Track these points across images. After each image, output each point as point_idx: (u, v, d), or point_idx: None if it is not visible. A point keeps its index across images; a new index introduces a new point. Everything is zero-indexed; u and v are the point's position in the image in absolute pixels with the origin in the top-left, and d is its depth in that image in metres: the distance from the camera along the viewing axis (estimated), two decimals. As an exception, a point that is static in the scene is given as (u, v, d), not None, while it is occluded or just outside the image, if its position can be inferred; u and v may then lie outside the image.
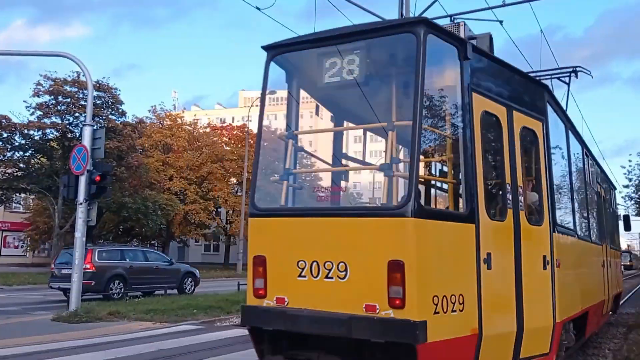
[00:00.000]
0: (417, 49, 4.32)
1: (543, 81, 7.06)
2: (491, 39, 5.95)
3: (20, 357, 7.70)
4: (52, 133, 32.08)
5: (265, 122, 5.74)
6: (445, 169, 5.42)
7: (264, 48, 5.28)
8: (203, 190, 42.18)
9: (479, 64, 4.98)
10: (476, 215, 4.59)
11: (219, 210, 46.26)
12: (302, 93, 5.52)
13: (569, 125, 7.32)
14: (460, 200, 4.94)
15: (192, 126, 46.41)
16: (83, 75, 29.44)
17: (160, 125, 43.53)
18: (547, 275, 5.41)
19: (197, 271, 21.31)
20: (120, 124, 32.92)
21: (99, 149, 12.77)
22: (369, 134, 5.90)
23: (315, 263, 4.46)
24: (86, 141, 12.54)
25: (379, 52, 4.88)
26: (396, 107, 4.87)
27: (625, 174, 37.73)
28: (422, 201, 5.30)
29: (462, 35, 5.40)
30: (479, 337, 4.48)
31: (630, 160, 38.87)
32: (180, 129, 43.74)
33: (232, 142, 47.55)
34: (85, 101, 31.04)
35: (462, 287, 4.40)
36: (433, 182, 5.91)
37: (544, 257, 5.42)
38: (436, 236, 4.33)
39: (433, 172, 6.03)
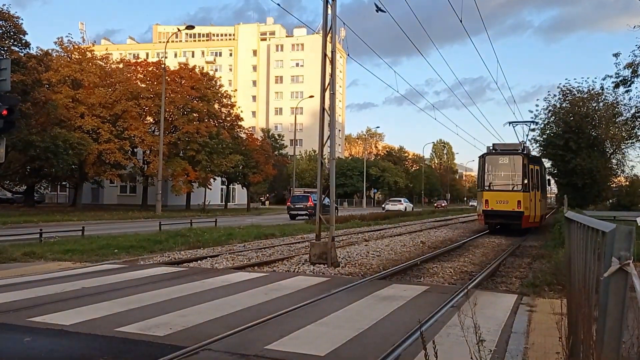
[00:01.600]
0: (522, 158, 22.09)
1: (518, 125, 27.92)
2: (528, 147, 25.21)
3: None
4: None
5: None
6: (526, 181, 21.82)
7: (481, 155, 23.19)
8: (118, 129, 40.36)
9: (530, 156, 23.49)
10: (529, 191, 21.96)
11: (135, 150, 44.66)
12: (488, 164, 22.76)
13: (543, 164, 27.84)
14: (527, 186, 21.89)
15: (104, 61, 43.76)
16: (-22, 0, 27.09)
17: (69, 59, 40.68)
18: (540, 204, 23.69)
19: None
20: (24, 56, 30.56)
21: (5, 81, 11.87)
22: (498, 173, 23.29)
23: (500, 200, 21.92)
24: (-11, 72, 11.59)
25: (514, 157, 22.19)
26: (516, 168, 22.06)
27: (532, 118, 40.16)
28: (526, 187, 21.75)
29: (524, 146, 24.14)
30: (529, 215, 21.85)
31: (537, 106, 41.46)
32: (90, 64, 41.10)
33: (148, 79, 45.41)
34: (-18, 30, 28.61)
35: (529, 205, 21.83)
36: (525, 183, 21.86)
37: (540, 199, 23.53)
38: (526, 196, 21.73)
39: (525, 182, 22.00)
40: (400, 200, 60.24)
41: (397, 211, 46.55)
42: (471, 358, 3.69)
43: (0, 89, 11.81)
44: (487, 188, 22.30)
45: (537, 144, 38.07)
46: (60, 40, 41.22)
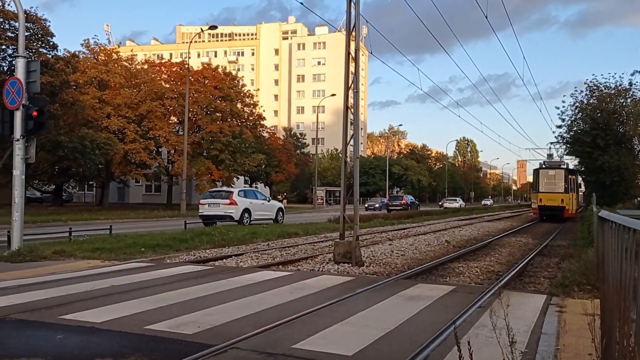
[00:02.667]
0: (564, 171, 33.73)
1: (551, 144, 41.61)
2: (567, 163, 39.05)
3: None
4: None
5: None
6: (566, 185, 32.91)
7: (535, 169, 35.34)
8: (143, 129, 40.91)
9: (569, 169, 35.01)
10: (569, 192, 33.06)
11: (160, 149, 45.21)
12: (541, 175, 33.97)
13: (577, 174, 37.85)
14: (567, 189, 33.04)
15: (129, 62, 44.36)
16: (8, 4, 27.55)
17: (95, 61, 41.35)
18: (575, 201, 36.22)
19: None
20: (52, 57, 31.12)
21: (35, 83, 12.09)
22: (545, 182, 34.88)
23: (549, 199, 32.83)
24: (20, 74, 11.81)
25: (558, 171, 33.64)
26: (560, 178, 33.30)
27: (559, 114, 39.47)
28: (566, 190, 32.98)
29: (564, 161, 38.35)
30: (568, 209, 32.88)
31: (563, 102, 40.96)
32: (116, 65, 41.72)
33: (172, 79, 45.95)
34: (12, 32, 29.16)
35: (568, 202, 32.94)
36: (565, 187, 33.20)
37: (575, 199, 35.89)
38: (566, 196, 32.78)
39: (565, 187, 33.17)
40: (456, 200, 75.15)
41: (453, 208, 61.10)
42: (504, 359, 3.65)
43: (31, 90, 12.03)
44: (540, 191, 33.34)
45: (564, 141, 37.51)
46: (86, 42, 42.03)
